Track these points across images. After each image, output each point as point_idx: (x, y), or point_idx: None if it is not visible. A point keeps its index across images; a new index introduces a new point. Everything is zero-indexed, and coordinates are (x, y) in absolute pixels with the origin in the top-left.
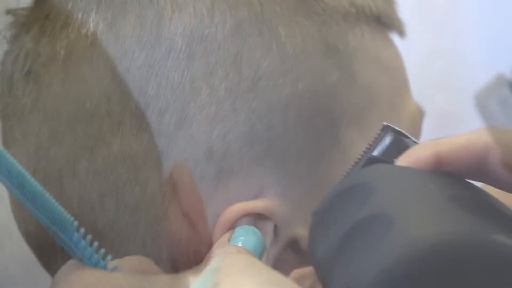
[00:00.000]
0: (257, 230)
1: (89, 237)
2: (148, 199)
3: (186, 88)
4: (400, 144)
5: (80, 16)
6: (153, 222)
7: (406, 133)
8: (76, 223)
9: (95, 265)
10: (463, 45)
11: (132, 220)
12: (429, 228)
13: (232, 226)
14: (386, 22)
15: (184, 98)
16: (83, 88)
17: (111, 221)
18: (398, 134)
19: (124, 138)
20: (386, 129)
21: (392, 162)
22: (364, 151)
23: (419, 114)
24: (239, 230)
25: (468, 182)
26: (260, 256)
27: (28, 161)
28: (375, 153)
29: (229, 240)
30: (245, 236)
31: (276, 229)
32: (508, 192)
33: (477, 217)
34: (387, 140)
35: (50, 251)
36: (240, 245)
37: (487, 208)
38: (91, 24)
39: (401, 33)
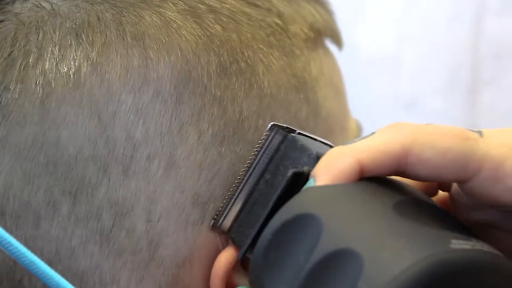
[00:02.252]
0: None
1: None
2: (134, 244)
3: (174, 133)
4: (294, 142)
5: (56, 50)
6: (139, 267)
7: (294, 128)
8: None
9: None
10: None
11: (116, 265)
12: (403, 260)
13: (226, 277)
14: (328, 34)
15: (173, 144)
16: (65, 131)
17: (94, 266)
18: (287, 132)
19: (110, 184)
20: (272, 128)
21: (290, 163)
22: (253, 155)
23: (360, 130)
24: None
25: (391, 181)
26: None
27: None
28: (266, 157)
29: None
30: None
31: None
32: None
33: (429, 227)
34: (277, 140)
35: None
36: None
37: (428, 211)
38: (72, 63)
39: (341, 45)
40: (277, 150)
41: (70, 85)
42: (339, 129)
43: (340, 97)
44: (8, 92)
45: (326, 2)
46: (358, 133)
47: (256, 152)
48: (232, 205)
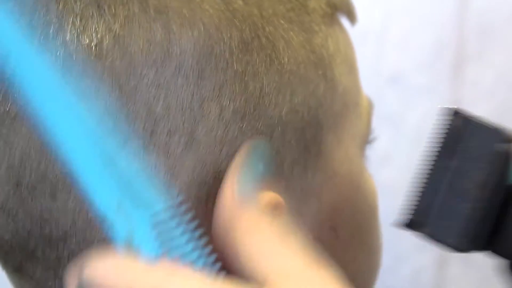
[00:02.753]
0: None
1: None
2: None
3: (196, 109)
4: (477, 125)
5: (77, 21)
6: None
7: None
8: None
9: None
10: None
11: None
12: None
13: None
14: (344, 10)
15: (193, 119)
16: (86, 104)
17: (109, 238)
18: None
19: (130, 158)
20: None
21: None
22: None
23: (371, 107)
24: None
25: None
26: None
27: (9, 168)
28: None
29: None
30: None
31: None
32: None
33: None
34: (457, 123)
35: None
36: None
37: None
38: (93, 35)
39: (354, 21)
40: (458, 135)
41: (92, 58)
42: (353, 106)
43: (354, 73)
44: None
45: None
46: (369, 110)
47: (441, 141)
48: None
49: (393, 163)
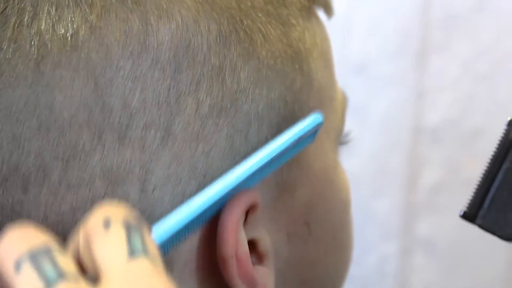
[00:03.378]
0: None
1: None
2: None
3: (172, 103)
4: None
5: (52, 10)
6: None
7: None
8: None
9: None
10: None
11: None
12: None
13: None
14: (321, 3)
15: (170, 114)
16: (60, 95)
17: None
18: None
19: (104, 152)
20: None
21: None
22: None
23: (346, 101)
24: None
25: None
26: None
27: None
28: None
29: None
30: None
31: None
32: None
33: None
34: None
35: None
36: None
37: None
38: (69, 25)
39: (331, 14)
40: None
41: (67, 48)
42: (329, 100)
43: (330, 67)
44: (0, 51)
45: None
46: (344, 104)
47: (497, 146)
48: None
49: (358, 152)
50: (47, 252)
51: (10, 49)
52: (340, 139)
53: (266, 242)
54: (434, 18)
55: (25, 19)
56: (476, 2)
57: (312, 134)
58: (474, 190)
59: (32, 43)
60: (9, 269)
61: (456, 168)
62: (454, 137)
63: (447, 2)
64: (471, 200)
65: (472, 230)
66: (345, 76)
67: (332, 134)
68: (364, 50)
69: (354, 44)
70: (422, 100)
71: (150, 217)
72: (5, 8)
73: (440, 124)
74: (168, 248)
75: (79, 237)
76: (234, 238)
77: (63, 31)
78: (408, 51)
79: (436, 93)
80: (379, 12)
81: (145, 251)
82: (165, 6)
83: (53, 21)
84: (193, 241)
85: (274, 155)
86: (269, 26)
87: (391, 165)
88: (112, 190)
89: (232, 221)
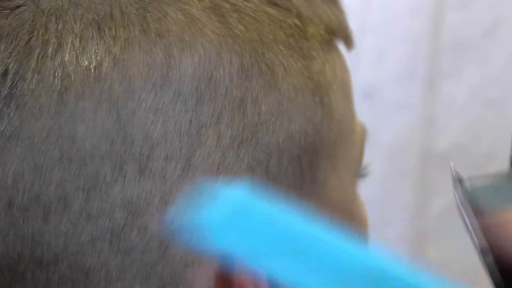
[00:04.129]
0: None
1: None
2: (144, 244)
3: (193, 135)
4: None
5: (76, 42)
6: (146, 266)
7: None
8: None
9: None
10: None
11: (124, 264)
12: None
13: None
14: (341, 36)
15: (191, 145)
16: (82, 126)
17: (101, 263)
18: None
19: (125, 183)
20: None
21: None
22: None
23: (365, 134)
24: None
25: None
26: None
27: (1, 188)
28: None
29: None
30: None
31: None
32: None
33: None
34: None
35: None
36: None
37: None
38: (93, 56)
39: (351, 47)
40: None
41: (91, 80)
42: (348, 132)
43: (350, 99)
44: (24, 82)
45: (339, 1)
46: (362, 136)
47: None
48: None
49: (367, 177)
50: None
51: (34, 80)
52: (359, 172)
53: None
54: (443, 44)
55: (49, 51)
56: (485, 28)
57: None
58: None
59: (56, 74)
60: None
61: None
62: (463, 163)
63: (456, 28)
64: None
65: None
66: (354, 102)
67: (351, 166)
68: (373, 75)
69: (363, 70)
70: (431, 126)
71: (169, 246)
72: (30, 40)
73: (449, 150)
74: None
75: None
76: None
77: (86, 63)
78: (417, 77)
79: (445, 118)
80: (388, 38)
81: None
82: (188, 39)
83: (77, 53)
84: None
85: None
86: (290, 59)
87: (400, 191)
88: (132, 221)
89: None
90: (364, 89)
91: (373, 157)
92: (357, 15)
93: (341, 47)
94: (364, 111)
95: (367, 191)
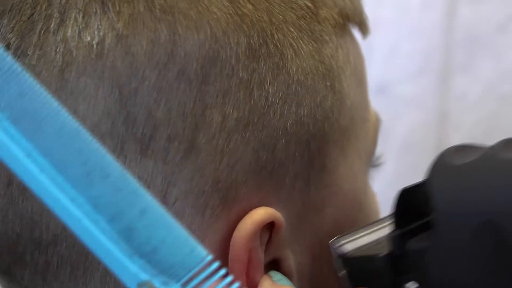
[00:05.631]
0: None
1: None
2: None
3: (197, 115)
4: None
5: (79, 17)
6: None
7: None
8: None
9: None
10: None
11: None
12: None
13: (256, 232)
14: (356, 21)
15: (195, 126)
16: (83, 103)
17: None
18: None
19: (126, 162)
20: None
21: None
22: None
23: (379, 123)
24: (276, 275)
25: None
26: None
27: (1, 167)
28: None
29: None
30: (283, 279)
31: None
32: None
33: None
34: None
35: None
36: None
37: None
38: (95, 32)
39: (366, 33)
40: None
41: (93, 56)
42: (361, 120)
43: (363, 87)
44: (25, 57)
45: None
46: (377, 126)
47: None
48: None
49: (379, 174)
50: None
51: (35, 56)
52: (371, 162)
53: (290, 262)
54: (456, 39)
55: (52, 26)
56: (499, 23)
57: None
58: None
59: (58, 49)
60: None
61: None
62: None
63: (470, 23)
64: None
65: None
66: None
67: (363, 156)
68: (386, 70)
69: (376, 65)
70: (444, 121)
71: None
72: (32, 14)
73: None
74: None
75: None
76: (243, 255)
77: (89, 39)
78: (431, 72)
79: (458, 114)
80: (401, 33)
81: None
82: (194, 17)
83: (79, 28)
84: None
85: None
86: (300, 41)
87: None
88: None
89: (242, 237)
90: (376, 84)
91: (385, 153)
92: (370, 9)
93: (356, 34)
94: (376, 107)
95: (379, 187)
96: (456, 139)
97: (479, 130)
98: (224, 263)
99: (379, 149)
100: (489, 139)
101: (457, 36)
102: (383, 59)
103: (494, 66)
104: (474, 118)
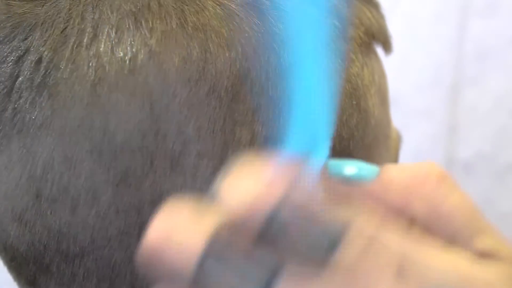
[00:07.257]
0: None
1: None
2: None
3: (227, 133)
4: None
5: (112, 33)
6: None
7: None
8: None
9: None
10: None
11: None
12: None
13: None
14: (381, 40)
15: (224, 143)
16: (115, 119)
17: (128, 258)
18: None
19: (155, 178)
20: None
21: None
22: None
23: (400, 140)
24: None
25: None
26: None
27: (30, 178)
28: None
29: None
30: None
31: None
32: None
33: None
34: None
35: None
36: None
37: None
38: (128, 48)
39: (390, 52)
40: None
41: (125, 71)
42: (383, 138)
43: (386, 104)
44: (57, 71)
45: (380, 5)
46: (398, 143)
47: None
48: None
49: None
50: None
51: (68, 69)
52: None
53: None
54: (467, 52)
55: (85, 40)
56: (509, 37)
57: None
58: None
59: (90, 64)
60: None
61: (490, 202)
62: (487, 171)
63: (480, 36)
64: None
65: None
66: None
67: None
68: (397, 83)
69: (387, 78)
70: (454, 134)
71: None
72: (65, 28)
73: (472, 158)
74: None
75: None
76: None
77: (121, 54)
78: (441, 85)
79: (468, 127)
80: (412, 45)
81: None
82: (225, 34)
83: (112, 43)
84: None
85: None
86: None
87: None
88: None
89: None
90: None
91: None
92: None
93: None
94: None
95: None
96: (465, 152)
97: (489, 143)
98: None
99: None
100: (499, 152)
101: (468, 49)
102: (394, 71)
103: (504, 80)
104: (484, 131)
